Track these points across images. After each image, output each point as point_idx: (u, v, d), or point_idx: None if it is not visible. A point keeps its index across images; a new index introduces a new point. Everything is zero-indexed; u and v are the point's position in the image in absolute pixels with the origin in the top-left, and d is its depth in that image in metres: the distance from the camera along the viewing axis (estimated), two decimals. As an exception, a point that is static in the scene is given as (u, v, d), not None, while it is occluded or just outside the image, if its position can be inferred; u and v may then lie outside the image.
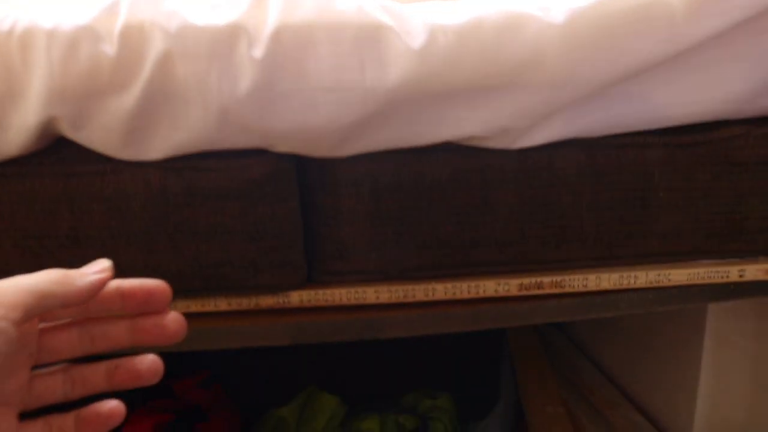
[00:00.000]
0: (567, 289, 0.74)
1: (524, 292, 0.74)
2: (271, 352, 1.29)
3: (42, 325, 0.43)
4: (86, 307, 0.44)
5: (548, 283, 0.74)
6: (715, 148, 0.71)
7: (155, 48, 0.59)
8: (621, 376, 1.29)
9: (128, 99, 0.60)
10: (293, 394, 1.25)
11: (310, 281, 0.75)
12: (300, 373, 1.33)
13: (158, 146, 0.65)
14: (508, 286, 0.73)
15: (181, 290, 0.72)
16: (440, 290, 0.73)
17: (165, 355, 0.74)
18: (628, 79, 0.65)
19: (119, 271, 0.69)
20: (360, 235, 0.70)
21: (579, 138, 0.70)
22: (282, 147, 0.66)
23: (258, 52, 0.59)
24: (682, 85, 0.68)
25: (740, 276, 0.76)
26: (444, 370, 1.39)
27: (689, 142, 0.71)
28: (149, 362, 0.46)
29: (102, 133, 0.64)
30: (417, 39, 0.60)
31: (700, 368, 1.05)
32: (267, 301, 0.73)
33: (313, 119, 0.61)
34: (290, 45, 0.60)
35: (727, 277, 0.76)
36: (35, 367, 0.42)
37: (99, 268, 0.45)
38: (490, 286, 0.73)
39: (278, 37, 0.59)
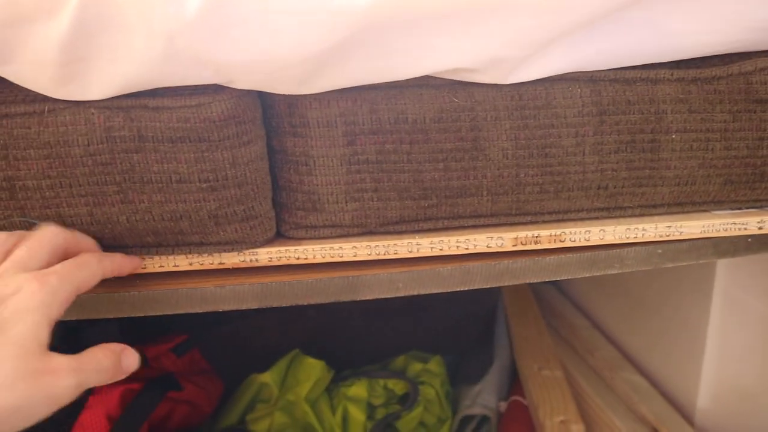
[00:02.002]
0: (567, 244, 0.67)
1: (520, 247, 0.66)
2: (254, 315, 1.24)
3: None
4: None
5: (546, 237, 0.66)
6: (736, 83, 0.63)
7: None
8: (622, 336, 1.24)
9: (58, 26, 0.52)
10: (276, 360, 1.19)
11: (280, 237, 0.67)
12: (285, 337, 1.26)
13: (100, 82, 0.57)
14: (502, 240, 0.66)
15: (134, 246, 0.64)
16: (425, 245, 0.65)
17: (139, 320, 0.68)
18: (637, 2, 0.57)
19: (63, 226, 0.62)
20: (334, 184, 0.63)
21: (581, 71, 0.62)
22: (242, 82, 0.57)
23: None
24: (698, 9, 0.60)
25: (759, 228, 0.68)
26: (435, 332, 1.33)
27: (706, 76, 0.63)
28: None
29: (33, 67, 0.55)
30: None
31: (707, 328, 1.00)
32: (232, 259, 0.66)
33: (275, 48, 0.53)
34: (246, -41, 0.51)
35: (746, 229, 0.68)
36: None
37: None
38: (481, 241, 0.66)
39: (231, -50, 0.51)
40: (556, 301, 1.41)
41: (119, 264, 0.62)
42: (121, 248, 0.64)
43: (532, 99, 0.61)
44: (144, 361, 1.04)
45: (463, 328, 1.36)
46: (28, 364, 0.46)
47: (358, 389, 1.15)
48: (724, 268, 0.97)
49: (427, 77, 0.60)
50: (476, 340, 1.36)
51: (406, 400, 1.15)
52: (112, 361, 0.53)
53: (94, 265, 0.57)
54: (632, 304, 1.20)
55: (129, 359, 0.55)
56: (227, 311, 0.66)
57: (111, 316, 0.66)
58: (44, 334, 0.49)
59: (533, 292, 1.42)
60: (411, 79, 0.60)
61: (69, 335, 1.09)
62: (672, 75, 0.63)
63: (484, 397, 1.15)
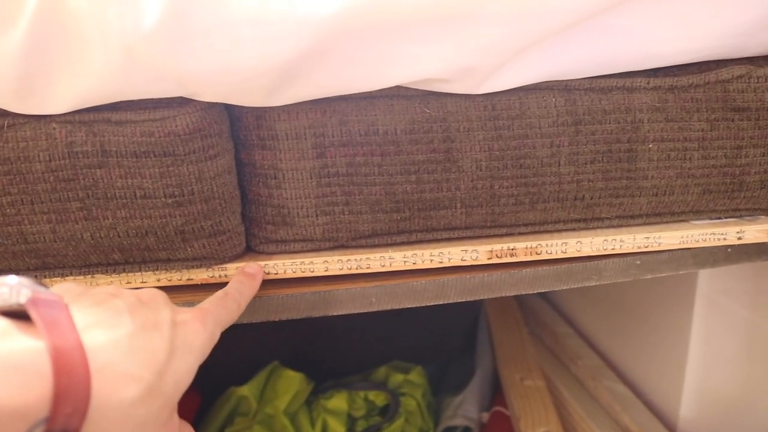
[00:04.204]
0: (543, 256, 0.65)
1: (495, 260, 0.65)
2: (231, 326, 1.22)
3: None
4: None
5: (522, 249, 0.65)
6: (713, 91, 0.62)
7: None
8: (606, 344, 1.23)
9: (13, 38, 0.50)
10: (255, 372, 1.17)
11: (250, 251, 0.66)
12: (264, 349, 1.24)
13: (60, 96, 0.55)
14: (477, 253, 0.64)
15: (100, 264, 0.62)
16: (398, 259, 0.64)
17: None
18: (612, 9, 0.56)
19: (26, 243, 0.60)
20: (304, 198, 0.61)
21: (555, 80, 0.61)
22: (206, 95, 0.56)
23: None
24: (674, 16, 0.59)
25: (739, 238, 0.67)
26: (417, 342, 1.31)
27: (683, 84, 0.62)
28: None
29: (-10, 80, 0.54)
30: None
31: (690, 335, 0.99)
32: (200, 274, 0.64)
33: (239, 59, 0.51)
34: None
35: (725, 239, 0.67)
36: None
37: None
38: (455, 254, 0.64)
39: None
40: (539, 309, 1.40)
41: (250, 287, 0.60)
42: (86, 267, 0.62)
43: (505, 109, 0.60)
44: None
45: (445, 337, 1.35)
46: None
47: (338, 401, 1.13)
48: (706, 274, 0.96)
49: (398, 88, 0.59)
50: (459, 350, 1.35)
51: (387, 412, 1.13)
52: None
53: (235, 306, 0.55)
54: (615, 312, 1.19)
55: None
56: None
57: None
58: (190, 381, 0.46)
59: (516, 300, 1.41)
60: (382, 89, 0.58)
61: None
62: (648, 83, 0.62)
63: (466, 408, 1.14)
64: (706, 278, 0.96)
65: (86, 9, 0.49)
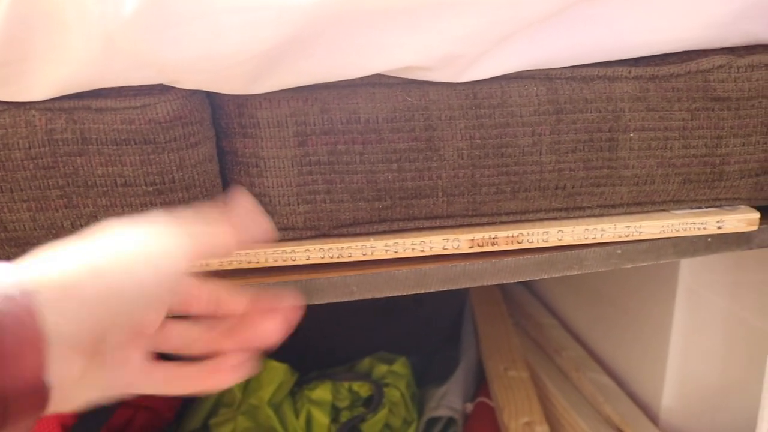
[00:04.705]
0: (525, 245, 0.65)
1: (476, 249, 0.65)
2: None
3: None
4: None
5: (503, 238, 0.65)
6: (693, 81, 0.62)
7: None
8: (589, 335, 1.23)
9: None
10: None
11: (231, 240, 0.66)
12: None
13: (40, 83, 0.55)
14: (458, 242, 0.64)
15: (80, 252, 0.62)
16: (380, 248, 0.64)
17: None
18: None
19: (5, 231, 0.60)
20: (286, 186, 0.61)
21: (537, 69, 0.61)
22: (187, 82, 0.56)
23: None
24: (656, 6, 0.59)
25: (719, 228, 0.68)
26: (402, 332, 1.31)
27: (664, 74, 0.62)
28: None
29: (-32, 67, 0.53)
30: None
31: (671, 325, 0.99)
32: (182, 263, 0.64)
33: (219, 47, 0.51)
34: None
35: (705, 229, 0.67)
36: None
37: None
38: (437, 243, 0.64)
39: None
40: (524, 300, 1.40)
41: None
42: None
43: (487, 98, 0.60)
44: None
45: (430, 328, 1.35)
46: None
47: (322, 392, 1.13)
48: (687, 266, 0.97)
49: (379, 76, 0.59)
50: (443, 341, 1.35)
51: (371, 403, 1.13)
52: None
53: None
54: (599, 304, 1.20)
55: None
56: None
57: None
58: None
59: (501, 291, 1.41)
60: (363, 77, 0.58)
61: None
62: (630, 73, 0.62)
63: (449, 399, 1.14)
64: (688, 269, 0.97)
65: (65, -6, 0.49)
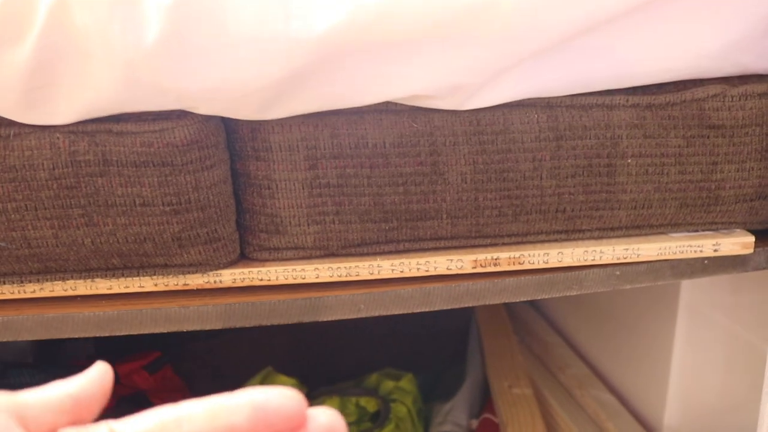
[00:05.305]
0: (526, 266, 0.68)
1: (479, 269, 0.67)
2: (226, 332, 1.24)
3: None
4: None
5: (505, 259, 0.67)
6: (689, 109, 0.65)
7: None
8: (592, 353, 1.25)
9: (21, 53, 0.53)
10: (249, 377, 1.19)
11: (244, 258, 0.68)
12: (257, 354, 1.27)
13: (64, 108, 0.58)
14: (462, 262, 0.67)
15: (99, 268, 0.65)
16: (386, 267, 0.66)
17: (110, 338, 0.68)
18: (593, 31, 0.59)
19: (29, 247, 0.63)
20: (296, 207, 0.64)
21: (538, 98, 0.63)
22: (204, 108, 0.58)
23: None
24: (652, 37, 0.62)
25: (715, 251, 0.70)
26: (408, 349, 1.33)
27: (660, 102, 0.64)
28: None
29: (-2, 92, 0.56)
30: None
31: (673, 344, 1.01)
32: (196, 280, 0.66)
33: (234, 76, 0.54)
34: (204, -11, 0.52)
35: (701, 251, 0.70)
36: None
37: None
38: (441, 263, 0.67)
39: (190, -20, 0.52)
40: (529, 318, 1.42)
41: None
42: (87, 271, 0.65)
43: (489, 124, 0.63)
44: (116, 378, 1.04)
45: (436, 345, 1.37)
46: None
47: (330, 407, 1.15)
48: (688, 285, 0.98)
49: (387, 103, 0.62)
50: (449, 357, 1.37)
51: (378, 418, 1.15)
52: None
53: None
54: (603, 322, 1.21)
55: None
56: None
57: (76, 336, 0.66)
58: None
59: (507, 309, 1.43)
60: (371, 105, 0.61)
61: (46, 351, 1.09)
62: (627, 101, 0.64)
63: (455, 415, 1.16)
64: (689, 289, 0.98)
65: (91, 25, 0.52)
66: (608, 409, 1.10)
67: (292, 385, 1.16)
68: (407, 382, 1.22)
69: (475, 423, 1.16)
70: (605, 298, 1.20)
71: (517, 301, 0.68)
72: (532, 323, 1.39)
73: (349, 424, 1.15)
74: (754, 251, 0.71)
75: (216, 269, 0.66)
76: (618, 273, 0.70)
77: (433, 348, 1.37)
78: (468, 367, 1.29)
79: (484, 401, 1.22)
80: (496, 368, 1.22)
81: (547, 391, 1.17)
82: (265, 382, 1.18)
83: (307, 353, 1.31)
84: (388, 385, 1.22)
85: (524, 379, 1.18)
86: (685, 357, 1.01)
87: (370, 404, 1.18)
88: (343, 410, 1.16)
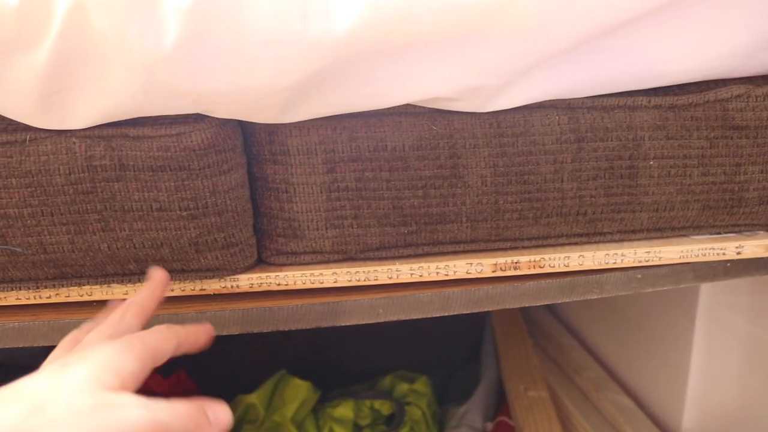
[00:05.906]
0: (547, 270, 0.67)
1: (499, 273, 0.67)
2: (241, 335, 1.24)
3: None
4: None
5: (526, 263, 0.66)
6: (712, 110, 0.64)
7: None
8: (609, 356, 1.24)
9: (38, 57, 0.52)
10: (263, 380, 1.19)
11: (261, 263, 0.68)
12: (272, 357, 1.26)
13: (81, 113, 0.57)
14: (481, 266, 0.66)
15: (116, 274, 0.64)
16: (405, 272, 0.66)
17: None
18: (614, 31, 0.58)
19: (45, 253, 0.62)
20: (314, 211, 0.63)
21: (559, 99, 0.62)
22: (221, 112, 0.58)
23: (184, 0, 0.50)
24: (676, 37, 0.60)
25: (738, 253, 0.69)
26: (423, 351, 1.33)
27: (683, 103, 0.63)
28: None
29: (14, 97, 0.56)
30: None
31: (692, 347, 1.00)
32: (213, 285, 0.66)
33: (253, 79, 0.53)
34: (222, -8, 0.51)
35: (724, 254, 0.69)
36: None
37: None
38: (461, 267, 0.66)
39: (208, -17, 0.51)
40: (545, 321, 1.41)
41: (194, 332, 0.55)
42: (103, 276, 0.64)
43: (510, 126, 0.62)
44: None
45: (451, 347, 1.36)
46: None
47: (344, 410, 1.15)
48: (708, 288, 0.97)
49: (406, 105, 0.61)
50: (464, 360, 1.36)
51: (392, 421, 1.14)
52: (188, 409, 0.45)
53: (164, 331, 0.52)
54: (620, 325, 1.20)
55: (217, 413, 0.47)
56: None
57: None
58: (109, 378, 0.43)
59: (522, 311, 1.42)
60: (390, 107, 0.60)
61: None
62: (649, 102, 0.63)
63: (470, 418, 1.15)
64: (708, 292, 0.97)
65: (109, 29, 0.51)
66: (625, 412, 1.09)
67: (307, 388, 1.16)
68: (422, 385, 1.22)
69: (490, 426, 1.15)
70: (622, 300, 1.19)
71: (538, 304, 0.68)
72: (547, 326, 1.38)
73: (364, 427, 1.15)
74: (778, 254, 0.70)
75: (233, 274, 0.65)
76: (639, 276, 0.69)
77: (446, 350, 1.37)
78: (482, 370, 1.28)
79: (499, 404, 1.21)
80: (512, 371, 1.21)
81: (564, 394, 1.17)
82: (279, 384, 1.18)
83: (320, 356, 1.30)
84: (403, 387, 1.21)
85: (540, 382, 1.17)
86: (704, 360, 1.00)
87: (385, 407, 1.17)
88: (357, 413, 1.15)
